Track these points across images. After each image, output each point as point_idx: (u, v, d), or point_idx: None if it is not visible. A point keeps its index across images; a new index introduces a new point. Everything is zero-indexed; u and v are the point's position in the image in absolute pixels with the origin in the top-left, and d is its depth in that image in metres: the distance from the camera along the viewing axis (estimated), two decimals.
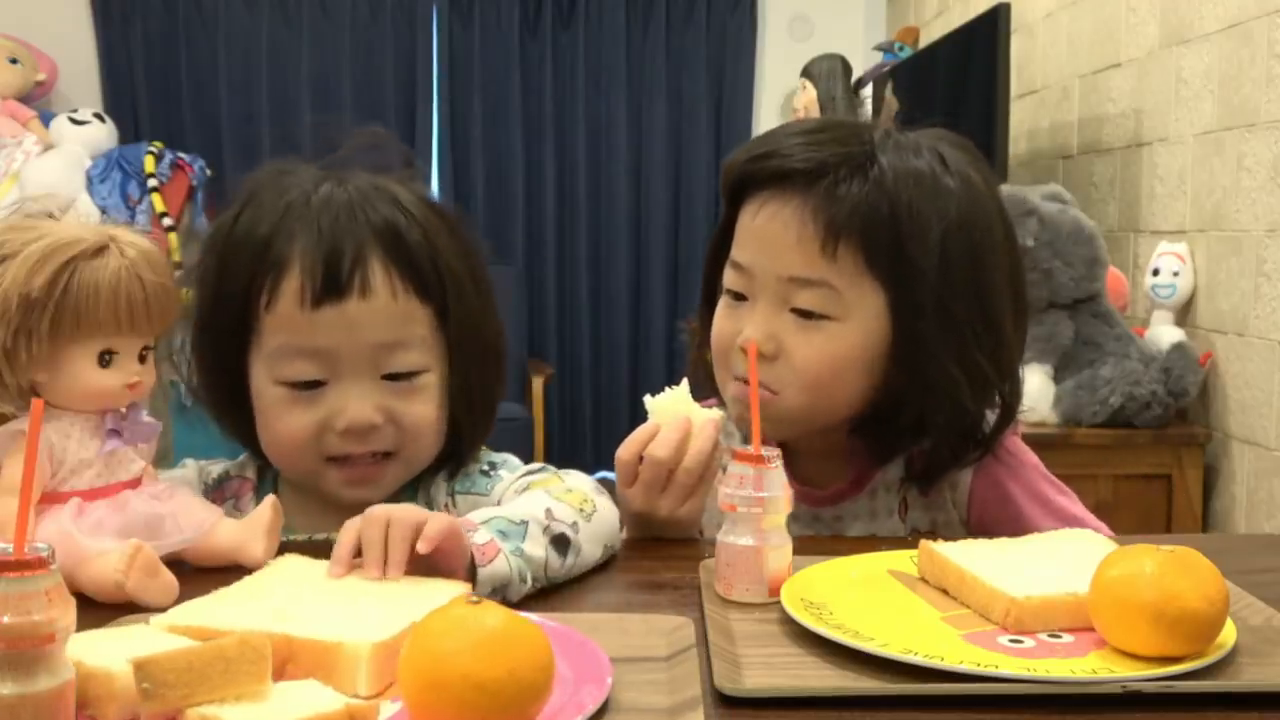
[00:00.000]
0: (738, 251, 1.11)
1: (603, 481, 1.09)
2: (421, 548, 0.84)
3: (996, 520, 1.14)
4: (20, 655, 0.59)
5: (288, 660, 0.72)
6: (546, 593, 0.93)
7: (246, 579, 0.85)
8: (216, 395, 1.11)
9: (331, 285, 1.02)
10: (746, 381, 1.04)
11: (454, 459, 1.14)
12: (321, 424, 1.05)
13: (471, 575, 0.88)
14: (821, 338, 1.06)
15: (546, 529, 0.95)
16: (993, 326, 1.07)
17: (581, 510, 0.99)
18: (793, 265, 1.06)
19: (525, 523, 0.94)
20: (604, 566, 1.01)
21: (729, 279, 1.12)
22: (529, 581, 0.91)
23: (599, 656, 0.73)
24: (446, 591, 0.82)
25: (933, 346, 1.05)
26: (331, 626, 0.73)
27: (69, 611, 0.61)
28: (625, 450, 1.06)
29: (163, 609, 0.80)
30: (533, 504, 0.99)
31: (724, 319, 1.13)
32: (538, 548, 0.93)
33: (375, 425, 1.05)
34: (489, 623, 0.64)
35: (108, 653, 0.67)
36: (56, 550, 0.76)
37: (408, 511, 0.87)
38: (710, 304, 1.18)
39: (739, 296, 1.11)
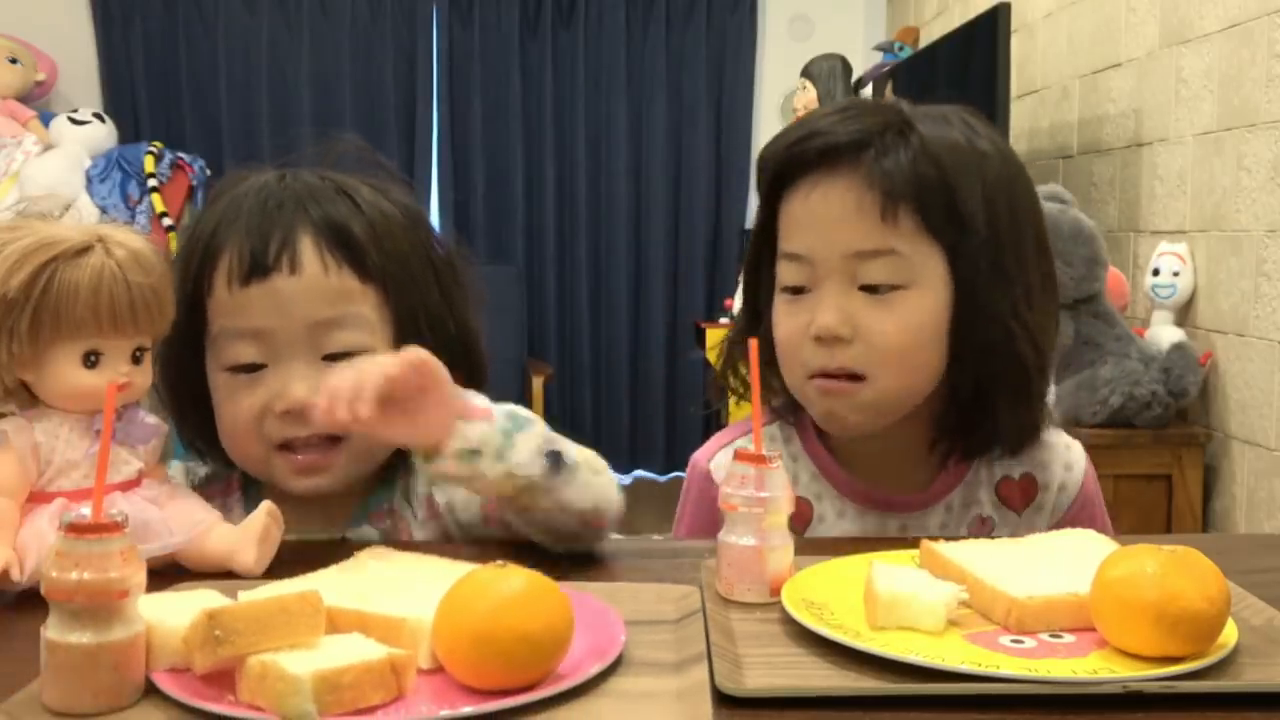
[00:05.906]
0: (791, 243, 1.09)
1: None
2: (393, 370, 0.90)
3: None
4: (98, 608, 0.67)
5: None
6: (559, 576, 0.92)
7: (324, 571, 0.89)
8: (178, 399, 1.10)
9: (258, 263, 1.03)
10: (827, 375, 1.06)
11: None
12: (264, 408, 1.04)
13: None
14: (895, 310, 1.05)
15: (549, 440, 0.97)
16: (1031, 284, 1.10)
17: (589, 464, 1.00)
18: (855, 240, 1.05)
19: (533, 422, 0.97)
20: (605, 566, 1.00)
21: (786, 274, 1.09)
22: (505, 461, 0.93)
23: (614, 617, 0.79)
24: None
25: (992, 306, 1.06)
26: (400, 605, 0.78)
27: (140, 571, 0.69)
28: None
29: None
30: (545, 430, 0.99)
31: (788, 316, 1.10)
32: (530, 444, 0.95)
33: (314, 405, 1.01)
34: (516, 583, 0.71)
35: (157, 610, 0.73)
36: (32, 552, 0.79)
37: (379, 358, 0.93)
38: (754, 311, 1.15)
39: (799, 291, 1.09)
